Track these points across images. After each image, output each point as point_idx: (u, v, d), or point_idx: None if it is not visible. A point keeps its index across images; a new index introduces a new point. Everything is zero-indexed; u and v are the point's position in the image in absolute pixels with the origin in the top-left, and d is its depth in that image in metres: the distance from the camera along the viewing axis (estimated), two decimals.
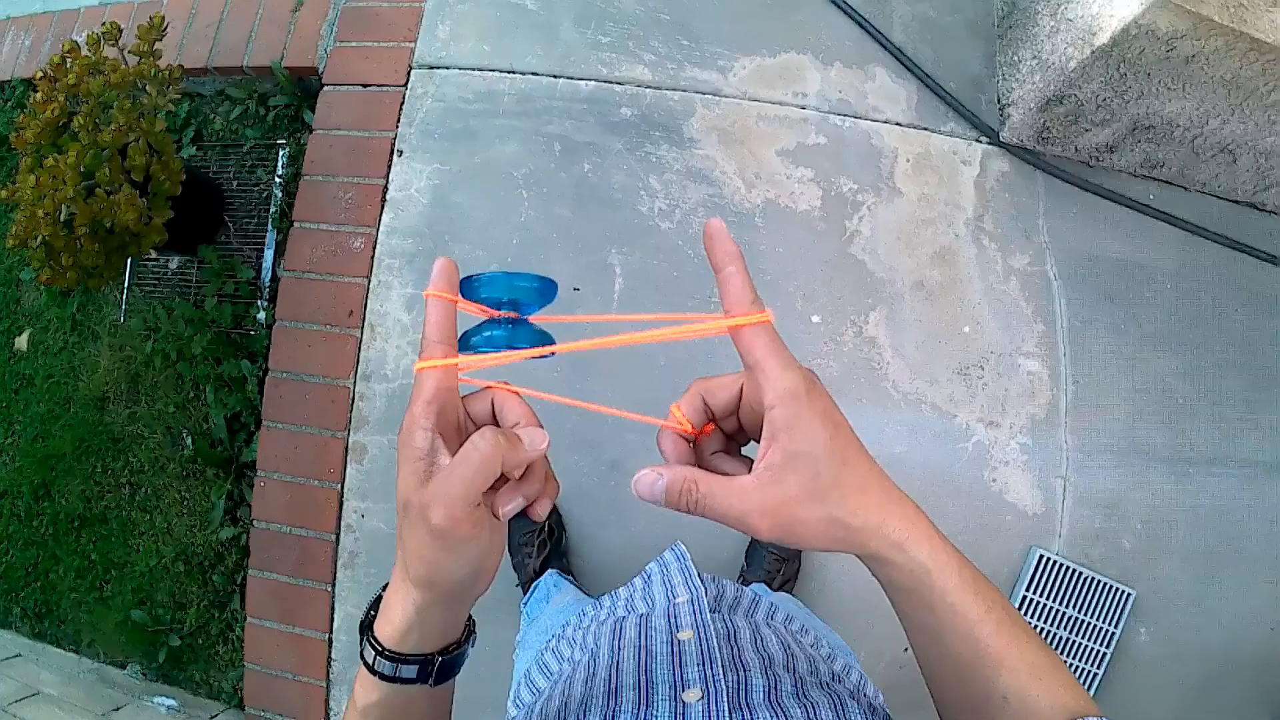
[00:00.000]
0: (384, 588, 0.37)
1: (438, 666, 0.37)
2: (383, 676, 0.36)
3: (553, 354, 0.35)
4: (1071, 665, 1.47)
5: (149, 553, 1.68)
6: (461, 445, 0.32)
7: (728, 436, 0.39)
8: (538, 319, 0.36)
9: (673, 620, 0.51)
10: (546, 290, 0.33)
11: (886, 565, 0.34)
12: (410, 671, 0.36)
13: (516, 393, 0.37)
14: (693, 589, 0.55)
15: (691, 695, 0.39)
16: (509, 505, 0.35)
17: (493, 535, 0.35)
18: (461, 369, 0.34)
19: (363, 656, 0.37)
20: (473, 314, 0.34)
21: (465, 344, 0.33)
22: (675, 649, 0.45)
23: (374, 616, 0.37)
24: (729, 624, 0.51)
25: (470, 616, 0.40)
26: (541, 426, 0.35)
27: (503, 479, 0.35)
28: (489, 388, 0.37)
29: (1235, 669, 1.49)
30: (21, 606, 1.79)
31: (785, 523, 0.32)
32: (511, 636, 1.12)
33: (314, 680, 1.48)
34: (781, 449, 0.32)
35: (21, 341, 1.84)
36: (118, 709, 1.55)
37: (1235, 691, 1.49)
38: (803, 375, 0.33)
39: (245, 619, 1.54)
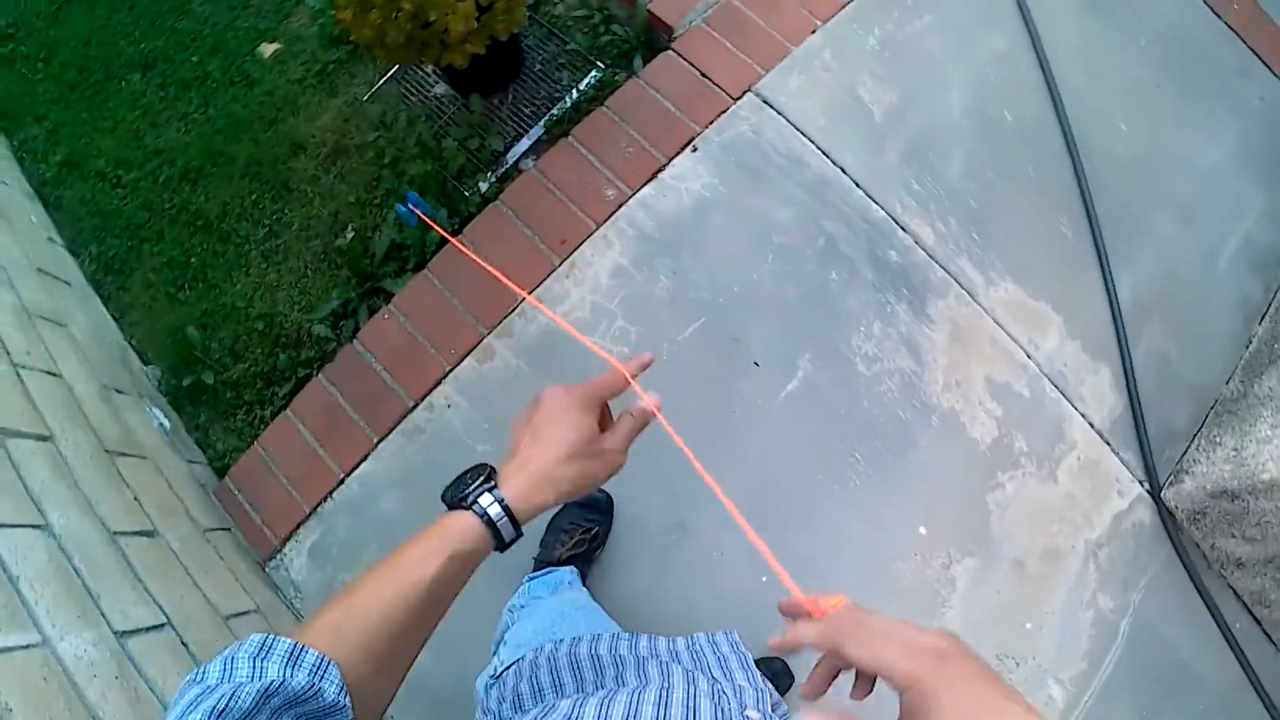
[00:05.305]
0: (485, 470, 0.47)
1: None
2: (495, 532, 0.45)
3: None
4: None
5: (243, 294, 1.70)
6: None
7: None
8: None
9: (739, 697, 0.53)
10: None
11: None
12: (514, 537, 0.46)
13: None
14: (751, 680, 0.59)
15: None
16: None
17: None
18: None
19: (480, 508, 0.45)
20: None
21: None
22: None
23: (490, 483, 0.46)
24: None
25: None
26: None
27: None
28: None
29: None
30: (100, 249, 1.81)
31: None
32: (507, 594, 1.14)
33: (303, 500, 1.49)
34: None
35: (267, 50, 1.88)
36: (120, 392, 1.55)
37: None
38: (930, 654, 0.36)
39: (284, 409, 1.56)
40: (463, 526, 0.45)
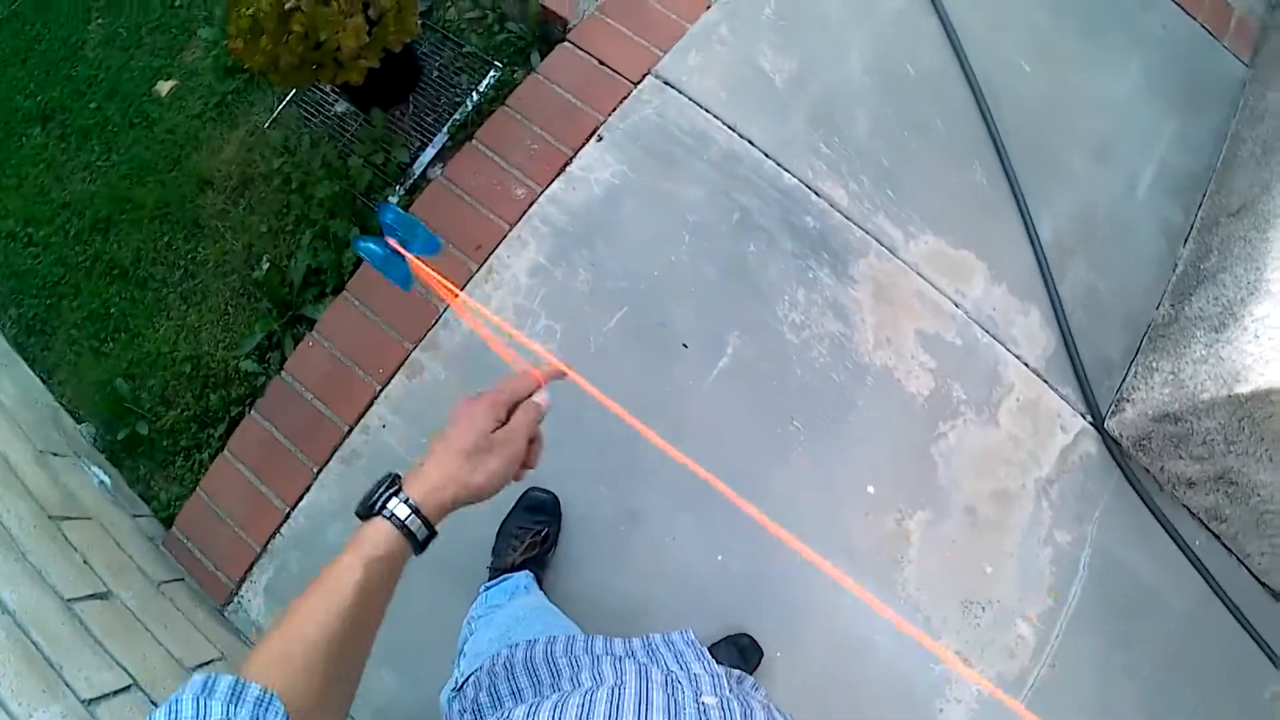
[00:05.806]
0: (390, 478, 0.50)
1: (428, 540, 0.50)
2: (408, 534, 0.48)
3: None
4: None
5: (166, 339, 1.66)
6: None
7: None
8: None
9: (695, 684, 0.54)
10: (429, 245, 0.52)
11: None
12: (426, 536, 0.49)
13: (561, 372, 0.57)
14: (707, 667, 0.60)
15: None
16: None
17: None
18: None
19: (389, 513, 0.48)
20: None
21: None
22: (700, 710, 0.48)
23: (395, 489, 0.49)
24: (744, 702, 0.54)
25: None
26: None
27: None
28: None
29: None
30: (20, 311, 1.76)
31: None
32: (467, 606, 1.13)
33: (251, 541, 1.47)
34: None
35: (164, 88, 1.84)
36: (56, 455, 1.52)
37: None
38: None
39: (221, 450, 1.53)
40: (375, 534, 0.48)
